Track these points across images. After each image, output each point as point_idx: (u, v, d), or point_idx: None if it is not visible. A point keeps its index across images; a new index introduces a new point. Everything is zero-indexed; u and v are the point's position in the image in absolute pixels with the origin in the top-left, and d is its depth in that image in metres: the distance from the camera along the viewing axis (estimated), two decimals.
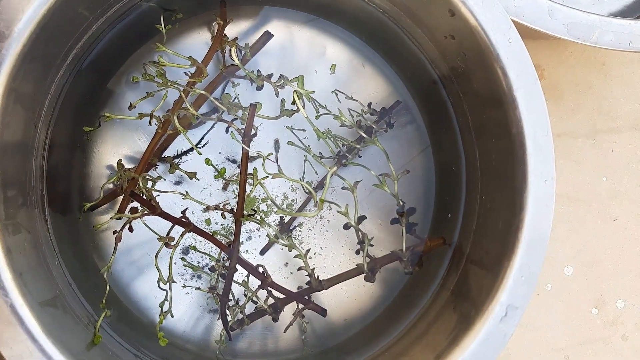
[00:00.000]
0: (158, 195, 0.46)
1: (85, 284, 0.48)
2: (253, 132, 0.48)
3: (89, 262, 0.51)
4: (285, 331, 0.51)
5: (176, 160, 0.54)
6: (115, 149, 0.53)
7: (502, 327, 0.39)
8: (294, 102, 0.46)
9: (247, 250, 0.56)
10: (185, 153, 0.55)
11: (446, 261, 0.50)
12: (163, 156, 0.53)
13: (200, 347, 0.54)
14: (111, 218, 0.48)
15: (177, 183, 0.55)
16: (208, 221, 0.55)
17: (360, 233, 0.48)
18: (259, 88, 0.52)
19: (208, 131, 0.56)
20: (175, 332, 0.53)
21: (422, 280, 0.52)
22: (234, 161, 0.56)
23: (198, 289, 0.52)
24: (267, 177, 0.46)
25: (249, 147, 0.46)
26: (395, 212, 0.50)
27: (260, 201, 0.56)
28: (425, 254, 0.50)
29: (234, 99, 0.54)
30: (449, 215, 0.50)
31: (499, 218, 0.43)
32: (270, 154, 0.46)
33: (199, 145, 0.55)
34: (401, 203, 0.48)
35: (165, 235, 0.48)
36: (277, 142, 0.52)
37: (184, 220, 0.48)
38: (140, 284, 0.53)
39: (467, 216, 0.49)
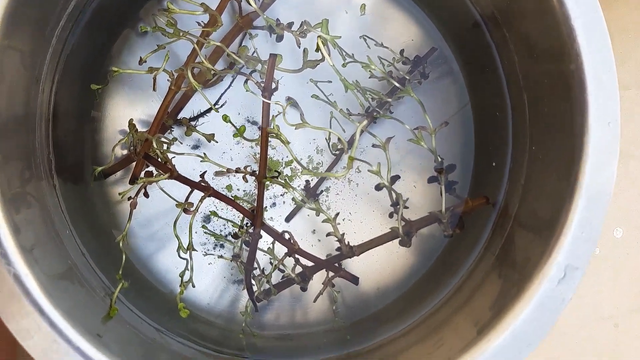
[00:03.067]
0: (174, 157, 0.43)
1: (102, 256, 0.45)
2: (274, 85, 0.44)
3: (105, 233, 0.48)
4: (314, 301, 0.48)
5: (193, 123, 0.51)
6: (128, 112, 0.50)
7: (560, 290, 0.35)
8: (317, 49, 0.42)
9: (271, 218, 0.52)
10: (202, 114, 0.51)
11: (490, 222, 0.45)
12: (178, 118, 0.50)
13: (225, 319, 0.51)
14: (135, 183, 0.44)
15: (195, 147, 0.52)
16: (229, 187, 0.52)
17: (394, 193, 0.44)
18: (279, 39, 0.48)
19: (226, 90, 0.52)
20: (199, 304, 0.50)
21: (462, 244, 0.48)
22: (254, 123, 0.52)
23: (221, 257, 0.49)
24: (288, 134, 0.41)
25: (269, 100, 0.42)
26: (431, 171, 0.46)
27: (283, 165, 0.53)
28: (467, 214, 0.45)
29: (253, 52, 0.50)
30: (494, 164, 0.45)
31: (552, 170, 0.38)
32: (291, 100, 0.42)
33: (216, 106, 0.51)
34: (439, 159, 0.44)
35: (183, 201, 0.44)
36: (289, 99, 0.47)
37: (203, 184, 0.44)
38: (162, 257, 0.50)
39: (514, 171, 0.44)
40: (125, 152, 0.50)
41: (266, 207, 0.52)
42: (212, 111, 0.51)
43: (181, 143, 0.51)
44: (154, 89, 0.42)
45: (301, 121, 0.40)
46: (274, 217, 0.52)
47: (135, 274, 0.48)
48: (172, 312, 0.46)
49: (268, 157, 0.53)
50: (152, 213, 0.51)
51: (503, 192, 0.45)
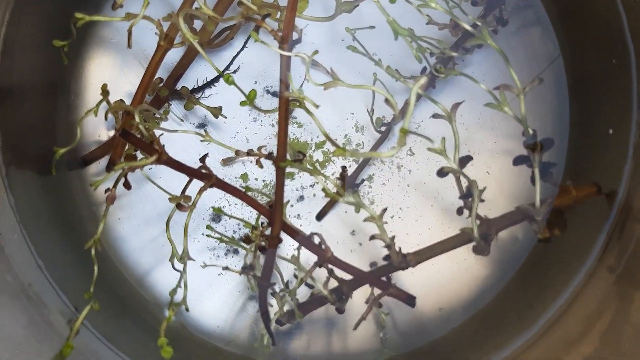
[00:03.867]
0: (162, 134, 0.32)
1: (70, 269, 0.34)
2: (295, 36, 0.32)
3: (80, 238, 0.37)
4: (355, 328, 0.36)
5: (196, 95, 0.40)
6: (114, 83, 0.39)
7: None
8: None
9: (298, 215, 0.41)
10: (208, 84, 0.40)
11: (606, 223, 0.32)
12: (177, 88, 0.39)
13: (242, 348, 0.40)
14: (112, 170, 0.34)
15: (201, 126, 0.41)
16: (245, 177, 0.41)
17: (466, 179, 0.31)
18: None
19: (239, 52, 0.41)
20: (207, 328, 0.40)
21: (564, 253, 0.35)
22: (275, 94, 0.41)
23: (226, 268, 0.37)
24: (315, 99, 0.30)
25: (291, 53, 0.30)
26: (511, 153, 0.33)
27: (313, 147, 0.41)
28: (569, 210, 0.32)
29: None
30: (610, 132, 0.32)
31: None
32: (317, 52, 0.30)
33: (227, 72, 0.40)
34: (531, 131, 0.31)
35: (180, 194, 0.33)
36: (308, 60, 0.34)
37: (204, 171, 0.33)
38: (161, 270, 0.39)
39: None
40: (112, 133, 0.39)
41: (289, 202, 0.40)
42: (222, 82, 0.40)
43: (182, 121, 0.40)
44: (129, 46, 0.31)
45: (332, 78, 0.28)
46: (302, 214, 0.41)
47: (123, 292, 0.38)
48: (172, 343, 0.35)
49: (294, 137, 0.41)
50: (150, 214, 0.40)
51: (625, 178, 0.31)
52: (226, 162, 0.39)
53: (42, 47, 0.35)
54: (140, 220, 0.40)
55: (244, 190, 0.34)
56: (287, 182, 0.40)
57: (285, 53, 0.30)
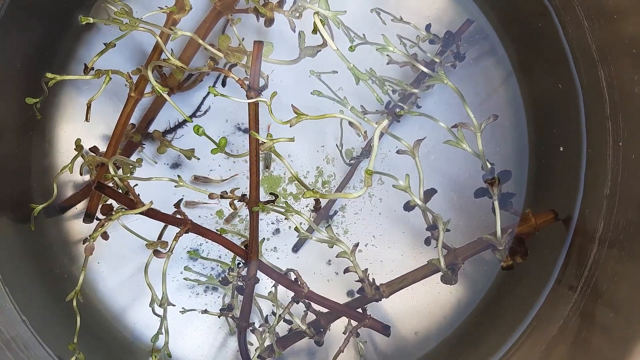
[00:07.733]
0: (136, 185, 0.32)
1: (54, 319, 0.35)
2: (262, 82, 0.33)
3: (60, 286, 0.37)
4: (334, 359, 0.37)
5: (168, 136, 0.41)
6: (88, 127, 0.40)
7: None
8: (315, 31, 0.31)
9: (275, 248, 0.42)
10: (180, 125, 0.41)
11: (564, 246, 0.34)
12: (149, 131, 0.40)
13: None
14: (90, 221, 0.35)
15: (175, 166, 0.42)
16: (220, 213, 0.42)
17: (430, 215, 0.33)
18: (269, 23, 0.37)
19: (209, 93, 0.41)
20: None
21: (527, 276, 0.36)
22: (246, 130, 0.42)
23: (205, 312, 0.38)
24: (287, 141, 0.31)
25: (257, 99, 0.31)
26: (478, 179, 0.34)
27: (286, 181, 0.42)
28: (530, 237, 0.34)
29: (240, 43, 0.40)
30: (561, 149, 0.34)
31: None
32: (275, 93, 0.31)
33: (198, 113, 0.41)
34: (489, 165, 0.32)
35: (156, 240, 0.34)
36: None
37: (179, 216, 0.34)
38: (142, 307, 0.40)
39: (592, 177, 0.32)
40: (88, 177, 0.40)
41: (268, 237, 0.41)
42: (195, 120, 0.41)
43: (156, 162, 0.41)
44: (87, 119, 0.32)
45: (295, 114, 0.29)
46: (279, 246, 0.42)
47: (109, 333, 0.38)
48: None
49: (267, 173, 0.42)
50: (132, 246, 0.40)
51: (579, 203, 0.33)
52: (189, 205, 0.40)
53: (11, 93, 0.35)
54: (118, 256, 0.40)
55: (218, 232, 0.35)
56: (262, 216, 0.41)
57: (252, 100, 0.31)
